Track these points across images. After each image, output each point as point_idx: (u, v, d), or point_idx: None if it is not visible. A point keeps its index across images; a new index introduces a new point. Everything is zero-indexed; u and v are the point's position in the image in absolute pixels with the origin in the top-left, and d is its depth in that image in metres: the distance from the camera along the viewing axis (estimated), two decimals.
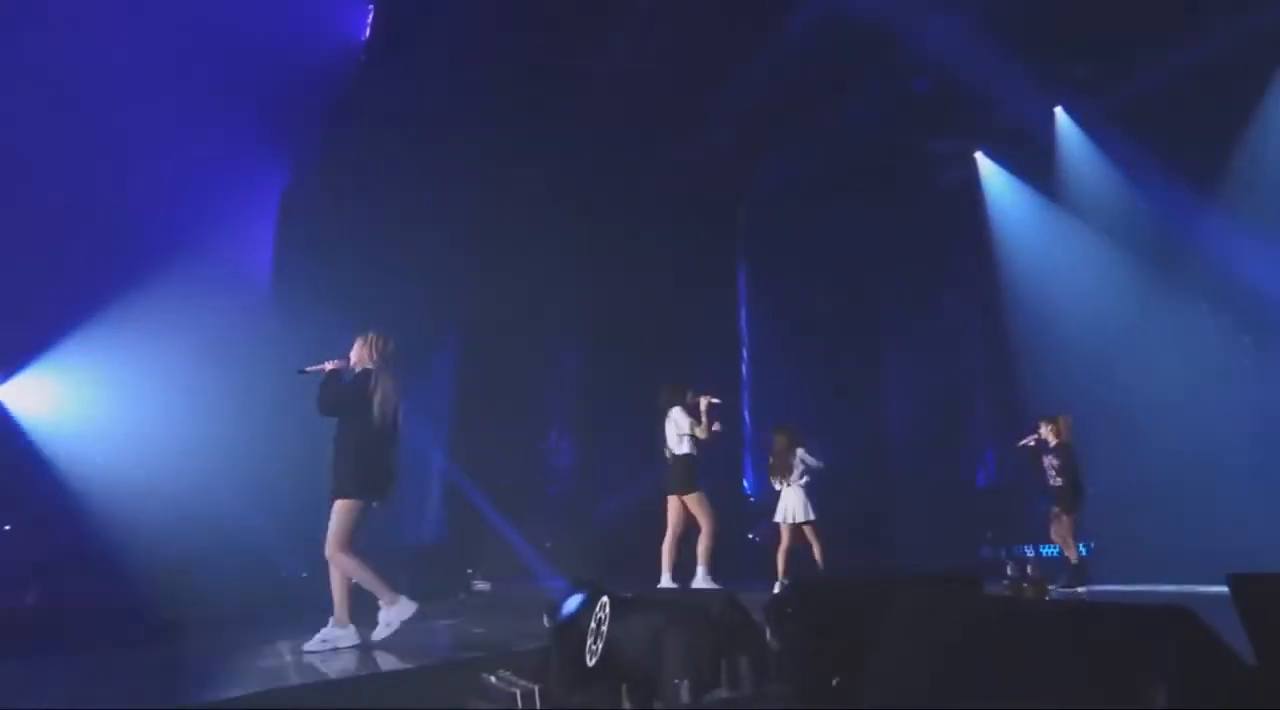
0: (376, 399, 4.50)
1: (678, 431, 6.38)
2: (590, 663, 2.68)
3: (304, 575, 7.44)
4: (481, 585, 8.15)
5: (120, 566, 6.56)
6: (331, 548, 4.39)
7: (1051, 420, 7.37)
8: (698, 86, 9.57)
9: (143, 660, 4.69)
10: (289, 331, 8.56)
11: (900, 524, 10.95)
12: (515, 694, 2.77)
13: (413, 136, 9.14)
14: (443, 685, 3.42)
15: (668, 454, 6.45)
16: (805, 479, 6.92)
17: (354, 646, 4.32)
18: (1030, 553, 9.23)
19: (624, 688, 2.66)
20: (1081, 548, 7.80)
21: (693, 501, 6.24)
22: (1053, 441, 7.34)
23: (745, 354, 11.87)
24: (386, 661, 4.01)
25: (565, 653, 2.93)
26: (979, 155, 10.65)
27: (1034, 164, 9.89)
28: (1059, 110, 9.64)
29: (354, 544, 4.45)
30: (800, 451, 6.94)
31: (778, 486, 7.02)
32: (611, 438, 11.15)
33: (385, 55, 8.98)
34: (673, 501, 6.36)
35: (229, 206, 8.79)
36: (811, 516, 6.83)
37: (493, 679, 3.15)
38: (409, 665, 3.87)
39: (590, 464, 11.30)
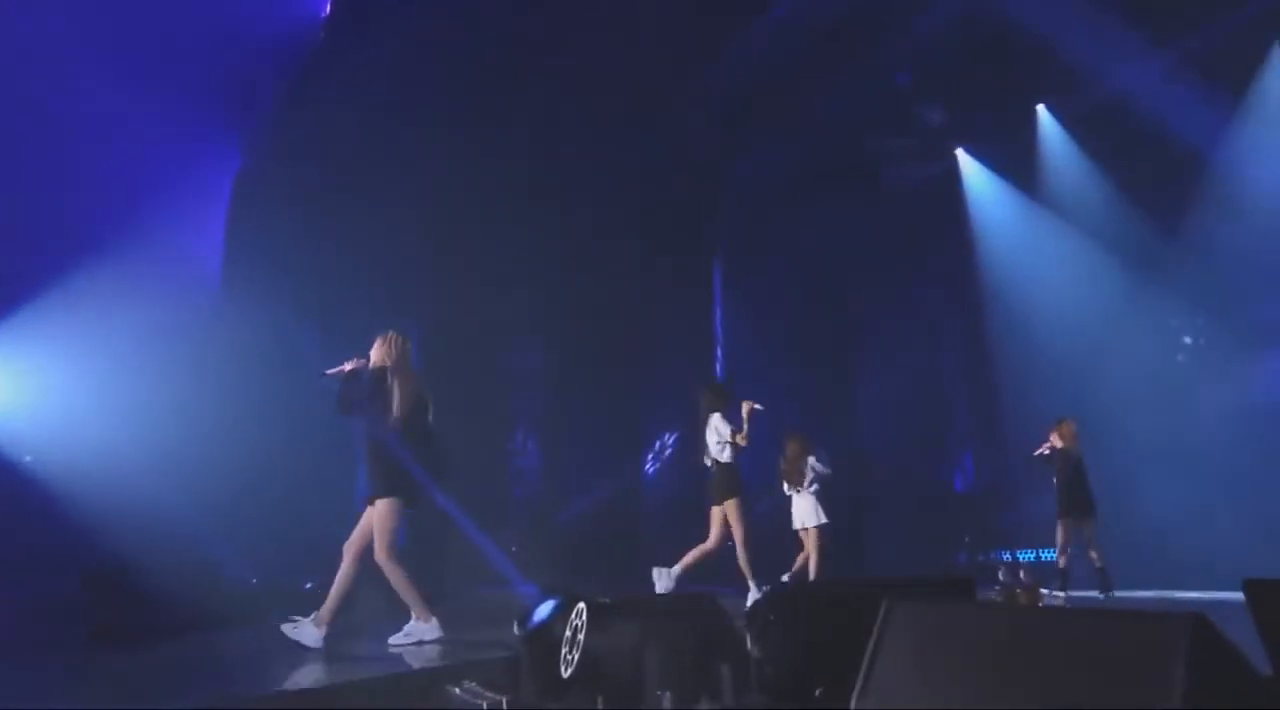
0: (395, 398, 4.63)
1: (718, 438, 6.35)
2: (565, 673, 2.60)
3: (253, 581, 7.25)
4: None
5: (54, 567, 6.32)
6: (379, 551, 4.51)
7: (1056, 425, 7.48)
8: (674, 79, 9.53)
9: (82, 667, 4.51)
10: (240, 323, 8.35)
11: (875, 528, 11.01)
12: (482, 706, 2.69)
13: (374, 122, 8.95)
14: (404, 697, 3.32)
15: (708, 462, 6.41)
16: (815, 486, 7.06)
17: (436, 640, 4.42)
18: (1007, 557, 9.34)
19: (600, 699, 2.59)
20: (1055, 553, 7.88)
21: (730, 508, 6.24)
22: (1058, 446, 7.46)
23: (720, 353, 11.85)
24: (345, 672, 3.89)
25: (537, 662, 2.85)
26: (960, 152, 10.74)
27: (1015, 161, 10.00)
28: (1041, 108, 9.77)
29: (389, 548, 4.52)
30: (811, 458, 7.11)
31: (788, 492, 7.17)
32: (580, 439, 11.06)
33: (347, 36, 8.78)
34: (716, 512, 6.37)
35: (176, 190, 8.51)
36: (823, 520, 7.00)
37: (457, 690, 3.07)
38: (368, 675, 3.76)
39: (558, 466, 11.20)
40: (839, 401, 11.62)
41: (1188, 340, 8.28)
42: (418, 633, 4.51)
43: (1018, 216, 10.05)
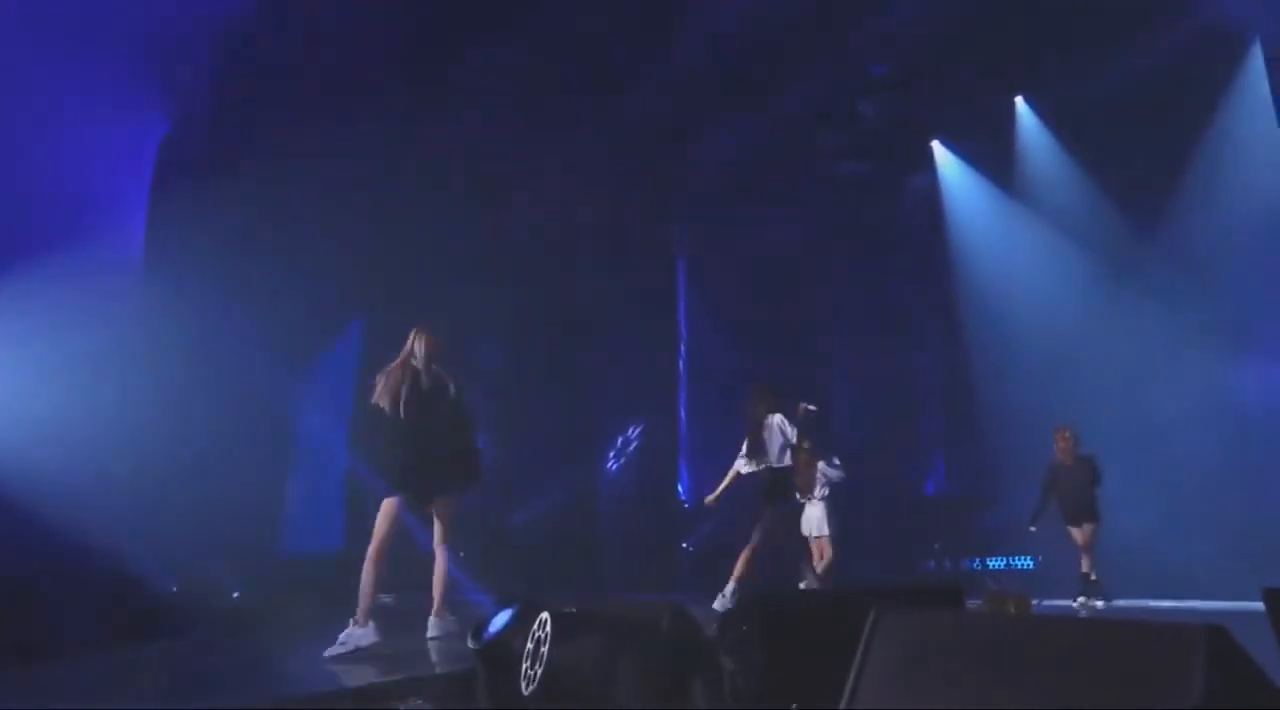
0: (378, 390, 4.96)
1: (781, 441, 6.31)
2: (526, 690, 2.51)
3: (173, 589, 6.99)
4: (384, 598, 7.81)
5: None
6: (375, 545, 4.80)
7: None
8: (635, 60, 9.44)
9: None
10: (163, 307, 8.05)
11: (841, 533, 11.04)
12: None
13: (320, 92, 8.68)
14: None
15: (761, 466, 6.36)
16: (825, 492, 7.16)
17: (374, 647, 4.45)
18: (978, 566, 9.45)
19: None
20: (1029, 561, 8.01)
21: (770, 514, 6.32)
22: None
23: (683, 349, 11.83)
24: (277, 688, 3.74)
25: (494, 678, 2.75)
26: (936, 144, 10.83)
27: (992, 155, 10.12)
28: (1019, 100, 9.91)
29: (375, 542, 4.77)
30: (821, 464, 7.21)
31: (801, 500, 7.28)
32: (535, 437, 10.92)
33: None
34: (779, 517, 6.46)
35: (94, 159, 8.16)
36: (826, 531, 7.09)
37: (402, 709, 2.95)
38: (303, 692, 3.61)
39: (511, 465, 11.03)
40: (807, 400, 11.66)
41: (1166, 342, 8.45)
42: (354, 639, 4.41)
43: (994, 212, 10.18)
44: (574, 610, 2.64)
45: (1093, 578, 7.22)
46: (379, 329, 10.17)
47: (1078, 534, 7.35)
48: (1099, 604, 7.03)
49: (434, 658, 4.42)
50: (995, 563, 9.33)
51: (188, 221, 8.46)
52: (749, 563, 6.22)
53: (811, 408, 6.47)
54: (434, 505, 4.95)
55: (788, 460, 6.39)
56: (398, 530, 4.92)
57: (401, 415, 4.83)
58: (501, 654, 2.78)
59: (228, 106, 8.65)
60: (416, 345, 5.10)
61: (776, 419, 6.41)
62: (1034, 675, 1.67)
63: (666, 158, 11.09)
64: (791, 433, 6.34)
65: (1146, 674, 1.53)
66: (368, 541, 4.81)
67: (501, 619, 3.02)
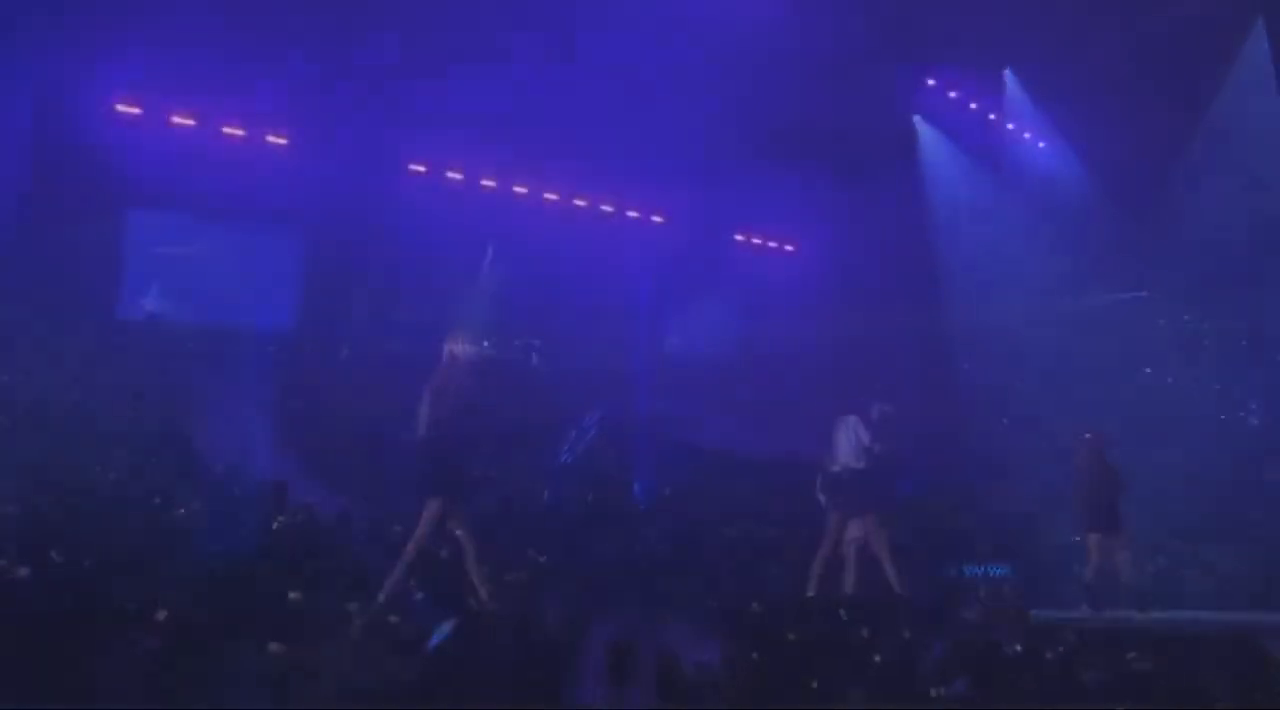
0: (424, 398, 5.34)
1: (857, 443, 6.44)
2: (485, 702, 2.47)
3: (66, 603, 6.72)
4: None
5: None
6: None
7: None
8: (594, 36, 9.40)
9: None
10: (46, 279, 7.80)
11: (809, 535, 11.08)
12: None
13: (250, 46, 8.40)
14: None
15: (837, 468, 6.50)
16: None
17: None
18: (954, 573, 9.53)
19: None
20: (1005, 569, 8.11)
21: (872, 522, 6.41)
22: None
23: (647, 341, 11.80)
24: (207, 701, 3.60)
25: (439, 690, 2.70)
26: (917, 119, 10.94)
27: (978, 130, 10.22)
28: (1008, 73, 10.04)
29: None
30: None
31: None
32: (481, 428, 10.80)
33: None
34: (838, 519, 6.51)
35: None
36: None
37: None
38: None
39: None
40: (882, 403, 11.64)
41: (1163, 339, 8.64)
42: None
43: (979, 194, 10.29)
44: (538, 617, 2.61)
45: (1087, 582, 7.35)
46: (312, 316, 9.98)
47: (1093, 540, 7.46)
48: (1088, 611, 7.17)
49: (371, 671, 4.31)
50: (973, 570, 9.45)
51: (79, 181, 8.13)
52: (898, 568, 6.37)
53: (888, 408, 6.56)
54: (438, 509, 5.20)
55: (865, 462, 6.52)
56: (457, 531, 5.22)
57: (439, 422, 5.31)
58: (448, 665, 2.74)
59: (142, 59, 8.35)
60: (448, 347, 5.61)
61: (853, 419, 6.56)
62: (1057, 683, 1.68)
63: (638, 125, 11.03)
64: (865, 435, 6.49)
65: (1178, 681, 1.56)
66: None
67: (446, 627, 2.97)
